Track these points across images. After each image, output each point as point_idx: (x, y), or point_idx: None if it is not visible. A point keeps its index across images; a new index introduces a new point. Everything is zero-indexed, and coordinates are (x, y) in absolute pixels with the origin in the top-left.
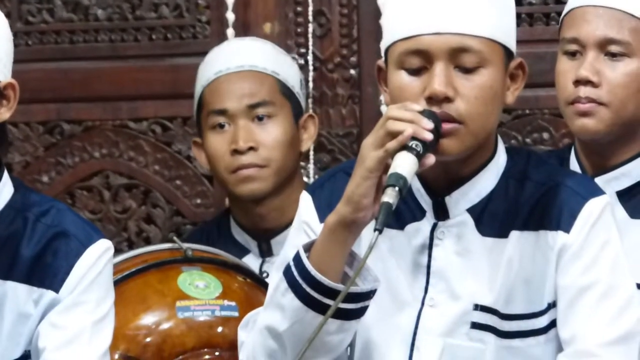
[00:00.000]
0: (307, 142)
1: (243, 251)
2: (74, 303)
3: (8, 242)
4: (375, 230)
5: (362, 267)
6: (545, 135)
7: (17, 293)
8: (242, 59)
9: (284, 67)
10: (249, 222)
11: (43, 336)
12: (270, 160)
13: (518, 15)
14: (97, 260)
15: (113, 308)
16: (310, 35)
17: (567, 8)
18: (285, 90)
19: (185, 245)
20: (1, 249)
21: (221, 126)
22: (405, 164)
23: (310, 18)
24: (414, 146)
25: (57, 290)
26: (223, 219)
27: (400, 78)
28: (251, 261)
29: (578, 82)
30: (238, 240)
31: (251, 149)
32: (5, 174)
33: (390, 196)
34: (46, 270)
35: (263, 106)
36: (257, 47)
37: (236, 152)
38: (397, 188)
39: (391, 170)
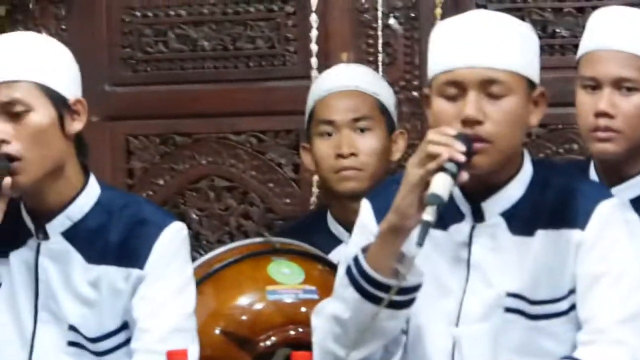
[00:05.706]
0: (396, 154)
1: (337, 241)
2: (157, 277)
3: (98, 233)
4: (417, 244)
5: (409, 271)
6: (575, 146)
7: (110, 273)
8: (349, 81)
9: (383, 89)
10: (344, 217)
11: (136, 307)
12: (367, 165)
13: (552, 46)
14: (172, 239)
15: (192, 278)
16: (380, 63)
17: (582, 49)
18: (383, 109)
19: (275, 239)
20: (94, 239)
21: (328, 134)
22: (442, 184)
23: (380, 49)
24: (449, 167)
25: (141, 268)
26: (321, 214)
27: (440, 104)
28: (343, 250)
29: (597, 115)
30: (333, 232)
31: (352, 154)
32: (92, 177)
33: (429, 214)
34: (132, 252)
35: (364, 120)
36: (361, 72)
37: (340, 156)
38: (435, 206)
39: (430, 190)
